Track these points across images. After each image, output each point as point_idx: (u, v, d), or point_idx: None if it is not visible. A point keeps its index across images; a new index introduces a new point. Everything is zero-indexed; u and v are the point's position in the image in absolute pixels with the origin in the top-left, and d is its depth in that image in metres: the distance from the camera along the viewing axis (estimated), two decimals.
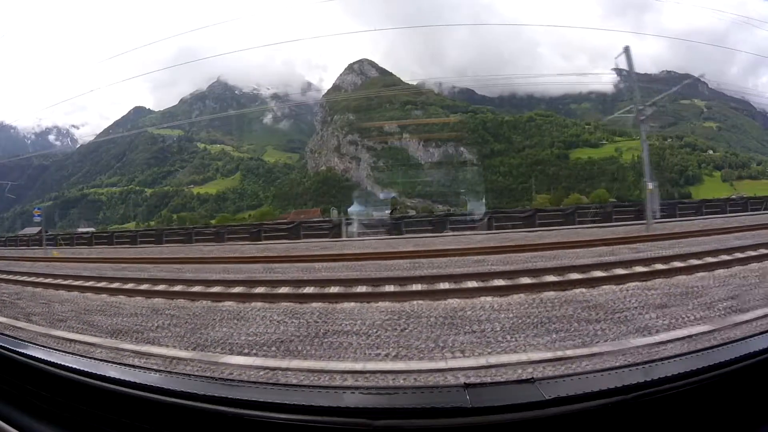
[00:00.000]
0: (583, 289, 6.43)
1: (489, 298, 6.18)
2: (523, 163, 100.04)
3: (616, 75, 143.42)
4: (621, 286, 6.55)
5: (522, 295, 6.26)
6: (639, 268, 7.62)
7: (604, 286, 6.56)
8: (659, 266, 7.66)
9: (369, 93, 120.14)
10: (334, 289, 7.29)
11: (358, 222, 30.75)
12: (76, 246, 37.75)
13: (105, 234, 44.33)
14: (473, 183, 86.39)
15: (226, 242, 29.47)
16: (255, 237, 29.58)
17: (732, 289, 6.12)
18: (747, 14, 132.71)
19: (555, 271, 7.64)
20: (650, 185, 19.89)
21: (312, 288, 7.51)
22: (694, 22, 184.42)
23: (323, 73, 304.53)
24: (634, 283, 6.67)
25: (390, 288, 7.17)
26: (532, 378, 0.90)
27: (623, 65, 22.01)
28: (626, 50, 20.67)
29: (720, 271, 7.37)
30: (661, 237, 13.77)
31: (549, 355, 3.88)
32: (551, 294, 6.27)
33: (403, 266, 10.57)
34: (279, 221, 41.00)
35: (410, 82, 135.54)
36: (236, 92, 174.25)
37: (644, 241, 13.25)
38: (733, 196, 48.81)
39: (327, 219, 33.35)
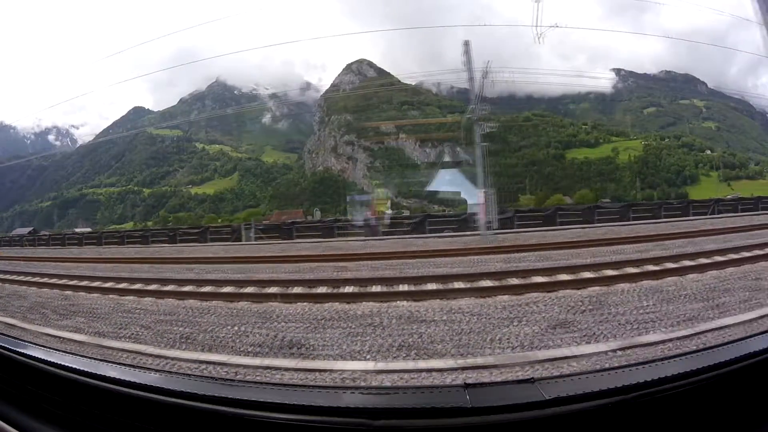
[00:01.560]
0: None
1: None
2: (518, 163, 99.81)
3: (614, 75, 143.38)
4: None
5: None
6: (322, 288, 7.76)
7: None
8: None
9: (367, 93, 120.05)
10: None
11: (255, 228, 33.58)
12: (38, 246, 42.07)
13: (58, 236, 48.92)
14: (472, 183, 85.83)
15: (150, 245, 34.22)
16: (172, 239, 34.67)
17: None
18: (746, 15, 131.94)
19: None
20: (482, 193, 18.63)
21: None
22: (694, 22, 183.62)
23: (322, 73, 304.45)
24: (332, 304, 6.49)
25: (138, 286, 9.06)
26: (532, 378, 0.89)
27: (476, 64, 21.38)
28: (466, 45, 20.20)
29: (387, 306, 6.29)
30: (486, 251, 12.94)
31: None
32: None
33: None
34: (191, 226, 46.55)
35: (408, 82, 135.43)
36: (235, 92, 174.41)
37: (460, 254, 12.45)
38: (732, 196, 48.28)
39: (228, 225, 37.82)
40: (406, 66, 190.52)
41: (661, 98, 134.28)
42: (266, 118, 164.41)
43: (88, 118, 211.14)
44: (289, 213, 66.39)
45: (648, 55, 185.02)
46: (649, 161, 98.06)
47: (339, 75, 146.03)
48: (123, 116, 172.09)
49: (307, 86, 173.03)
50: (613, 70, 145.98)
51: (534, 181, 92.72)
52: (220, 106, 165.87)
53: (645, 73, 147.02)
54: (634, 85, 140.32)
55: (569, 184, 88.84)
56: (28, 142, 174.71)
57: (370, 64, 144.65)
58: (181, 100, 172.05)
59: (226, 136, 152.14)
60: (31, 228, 68.42)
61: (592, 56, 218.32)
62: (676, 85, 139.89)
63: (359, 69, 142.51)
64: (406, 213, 71.01)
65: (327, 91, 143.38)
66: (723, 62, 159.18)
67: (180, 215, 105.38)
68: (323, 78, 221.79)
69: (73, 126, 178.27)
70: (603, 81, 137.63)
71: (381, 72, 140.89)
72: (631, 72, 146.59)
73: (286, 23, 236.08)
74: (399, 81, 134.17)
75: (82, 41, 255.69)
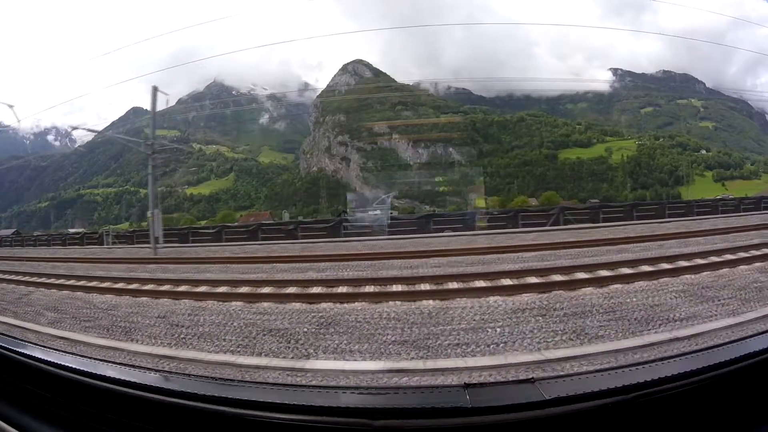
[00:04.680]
0: None
1: None
2: (510, 163, 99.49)
3: (612, 74, 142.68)
4: None
5: None
6: None
7: None
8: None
9: (361, 94, 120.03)
10: None
11: (111, 235, 37.53)
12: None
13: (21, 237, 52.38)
14: (473, 183, 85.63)
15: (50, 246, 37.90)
16: (63, 243, 38.27)
17: None
18: (746, 14, 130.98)
19: None
20: (150, 213, 21.41)
21: None
22: (692, 22, 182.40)
23: (319, 73, 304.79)
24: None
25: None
26: (532, 378, 0.89)
27: (162, 103, 23.73)
28: (154, 90, 22.43)
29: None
30: (156, 261, 15.41)
31: None
32: None
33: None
34: (76, 233, 49.53)
35: (406, 83, 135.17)
36: (233, 93, 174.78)
37: (135, 262, 15.10)
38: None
39: (95, 231, 42.67)
40: (403, 66, 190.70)
41: (658, 98, 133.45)
42: (264, 119, 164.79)
43: (87, 118, 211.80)
44: (256, 215, 66.98)
45: (646, 54, 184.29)
46: (642, 161, 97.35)
47: (335, 76, 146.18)
48: (122, 116, 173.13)
49: (305, 87, 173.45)
50: (611, 69, 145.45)
51: (526, 182, 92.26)
52: (218, 106, 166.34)
53: (643, 73, 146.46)
54: (632, 85, 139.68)
55: (562, 184, 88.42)
56: (27, 142, 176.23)
57: (367, 65, 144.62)
58: (179, 100, 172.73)
59: (224, 136, 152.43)
60: (15, 229, 69.19)
61: (590, 56, 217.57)
62: (674, 85, 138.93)
63: (355, 69, 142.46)
64: (396, 213, 70.79)
65: (323, 92, 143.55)
66: (722, 62, 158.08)
67: (174, 216, 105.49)
68: (320, 78, 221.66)
69: (72, 126, 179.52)
70: (600, 81, 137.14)
71: (377, 72, 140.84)
72: (628, 71, 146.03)
73: (284, 23, 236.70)
74: (395, 81, 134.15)
75: (81, 42, 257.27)
